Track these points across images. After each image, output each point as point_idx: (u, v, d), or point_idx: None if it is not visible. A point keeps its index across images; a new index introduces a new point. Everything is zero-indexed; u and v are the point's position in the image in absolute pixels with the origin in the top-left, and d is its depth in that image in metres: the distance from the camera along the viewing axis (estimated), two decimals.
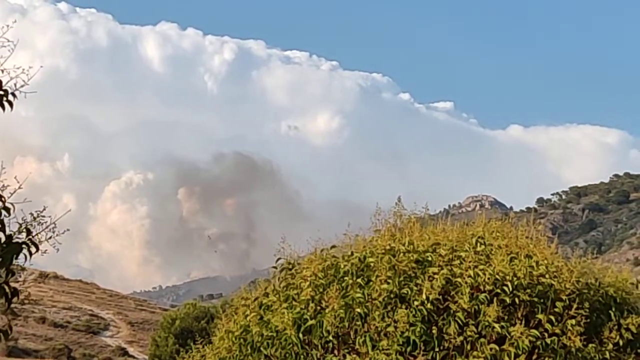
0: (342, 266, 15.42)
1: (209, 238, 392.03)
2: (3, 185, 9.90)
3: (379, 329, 14.60)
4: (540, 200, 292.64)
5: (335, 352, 14.92)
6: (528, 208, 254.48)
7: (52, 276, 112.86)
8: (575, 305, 14.64)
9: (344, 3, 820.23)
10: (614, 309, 15.39)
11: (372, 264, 15.18)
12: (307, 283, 15.39)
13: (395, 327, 14.43)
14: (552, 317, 14.59)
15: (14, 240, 9.89)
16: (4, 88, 9.90)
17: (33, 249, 10.00)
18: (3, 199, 9.87)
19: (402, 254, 15.16)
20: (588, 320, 14.74)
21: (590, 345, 14.72)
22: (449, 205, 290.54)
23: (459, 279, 14.72)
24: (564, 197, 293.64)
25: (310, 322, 14.94)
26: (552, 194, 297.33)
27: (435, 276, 14.72)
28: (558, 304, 14.68)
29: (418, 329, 14.36)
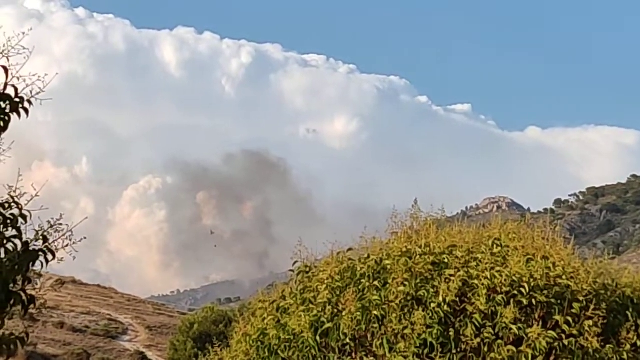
0: (358, 269, 15.43)
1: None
2: (20, 193, 9.93)
3: (396, 331, 14.60)
4: (557, 202, 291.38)
5: (353, 354, 14.92)
6: (545, 209, 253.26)
7: (70, 281, 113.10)
8: (592, 306, 14.61)
9: (361, 6, 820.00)
10: (631, 310, 15.35)
11: (388, 267, 15.18)
12: (324, 286, 15.40)
13: (412, 330, 14.43)
14: (569, 318, 14.56)
15: (30, 248, 9.91)
16: (20, 95, 9.94)
17: (50, 257, 10.01)
18: (20, 206, 9.90)
19: (418, 256, 15.16)
20: (605, 321, 14.70)
21: (607, 346, 14.69)
22: (466, 207, 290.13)
23: (475, 281, 14.71)
24: (581, 198, 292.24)
25: (327, 325, 14.95)
26: (570, 195, 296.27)
27: (452, 278, 14.71)
28: (575, 305, 14.65)
29: (435, 331, 14.36)
